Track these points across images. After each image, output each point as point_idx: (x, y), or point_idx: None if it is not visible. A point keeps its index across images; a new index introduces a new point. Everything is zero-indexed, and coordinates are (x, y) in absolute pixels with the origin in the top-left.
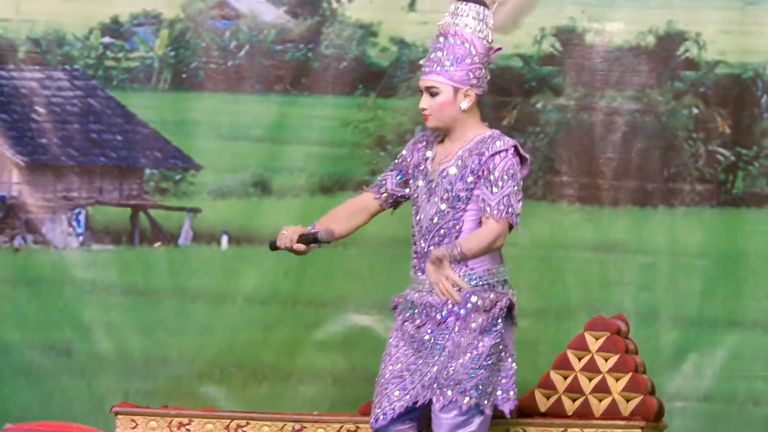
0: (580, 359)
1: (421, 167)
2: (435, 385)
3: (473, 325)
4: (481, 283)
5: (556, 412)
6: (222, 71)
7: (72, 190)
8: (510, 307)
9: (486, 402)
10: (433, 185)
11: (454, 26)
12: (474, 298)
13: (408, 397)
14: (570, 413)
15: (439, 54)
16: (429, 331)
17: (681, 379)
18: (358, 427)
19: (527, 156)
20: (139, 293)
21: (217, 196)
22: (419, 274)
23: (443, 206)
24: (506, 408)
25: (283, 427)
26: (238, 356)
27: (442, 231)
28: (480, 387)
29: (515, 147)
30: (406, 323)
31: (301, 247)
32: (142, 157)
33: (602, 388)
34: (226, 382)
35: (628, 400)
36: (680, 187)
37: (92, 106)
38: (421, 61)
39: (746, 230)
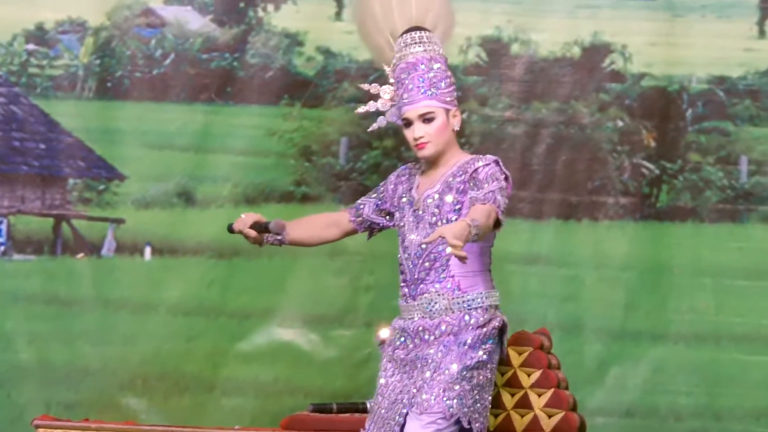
0: (502, 374)
1: (405, 198)
2: (418, 393)
3: (463, 339)
4: (474, 306)
5: None
6: (147, 80)
7: None
8: (502, 329)
9: (464, 415)
10: (420, 212)
11: (425, 52)
12: (467, 317)
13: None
14: (492, 429)
15: (420, 81)
16: (420, 350)
17: (603, 393)
18: None
19: (508, 173)
20: (61, 303)
21: (140, 206)
22: (410, 301)
23: (431, 231)
24: (476, 427)
25: None
26: (161, 367)
27: (431, 256)
28: (461, 399)
29: (497, 160)
30: (397, 351)
31: (252, 232)
32: (65, 166)
33: (524, 404)
34: (148, 394)
35: (550, 416)
36: (604, 200)
37: (15, 114)
38: (368, 94)
39: (670, 243)
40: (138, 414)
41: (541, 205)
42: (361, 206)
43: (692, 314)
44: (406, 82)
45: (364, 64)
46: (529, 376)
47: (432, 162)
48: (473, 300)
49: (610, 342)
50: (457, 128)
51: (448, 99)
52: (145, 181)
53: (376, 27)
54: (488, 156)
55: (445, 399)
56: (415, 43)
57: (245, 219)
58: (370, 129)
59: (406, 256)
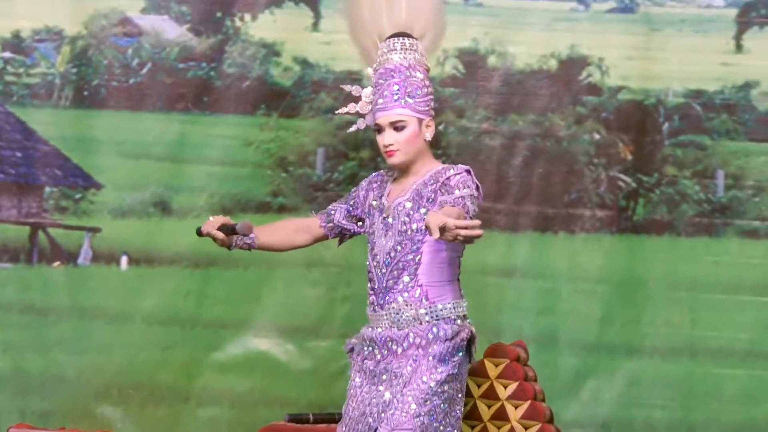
0: (479, 386)
1: (375, 204)
2: (388, 408)
3: (432, 353)
4: (442, 316)
5: None
6: (124, 89)
7: None
8: (470, 340)
9: (435, 430)
10: (389, 220)
11: (404, 60)
12: (435, 330)
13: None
14: None
15: (396, 88)
16: (389, 362)
17: (579, 406)
18: None
19: (479, 184)
20: (37, 312)
21: (117, 215)
22: (378, 310)
23: (400, 239)
24: None
25: None
26: (136, 377)
27: (400, 264)
28: (433, 415)
29: (468, 170)
30: (366, 361)
31: (219, 234)
32: (41, 174)
33: (501, 416)
34: (123, 403)
35: (526, 428)
36: (581, 213)
37: None
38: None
39: (646, 257)
40: (113, 423)
41: (517, 218)
42: (332, 212)
43: (668, 328)
44: (383, 87)
45: (341, 75)
46: (505, 388)
47: (404, 170)
48: (441, 311)
49: (585, 355)
50: (428, 138)
51: (421, 108)
52: (121, 190)
53: (363, 29)
54: (460, 165)
55: (415, 416)
56: (397, 49)
57: (213, 221)
58: (350, 130)
59: (375, 263)
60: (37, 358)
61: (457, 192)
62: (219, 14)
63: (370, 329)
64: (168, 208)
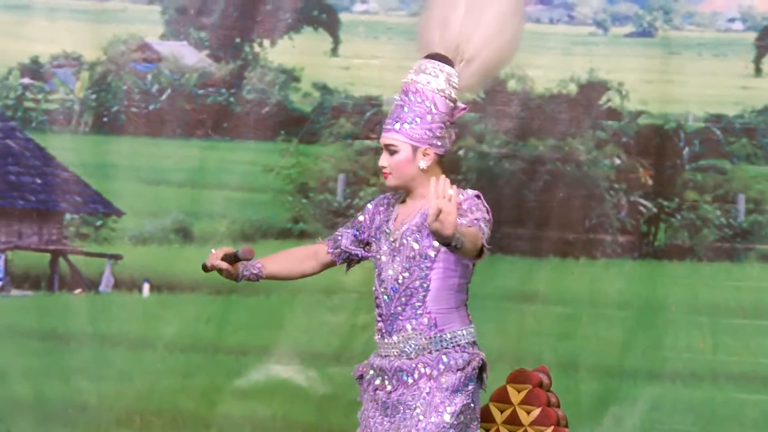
0: (502, 412)
1: (383, 228)
2: None
3: (445, 384)
4: (451, 345)
5: None
6: (143, 115)
7: None
8: (482, 368)
9: None
10: (397, 245)
11: (416, 83)
12: (445, 359)
13: None
14: None
15: (399, 111)
16: (401, 394)
17: (601, 431)
18: None
19: (489, 208)
20: (58, 339)
21: (138, 242)
22: (386, 337)
23: (408, 265)
24: None
25: None
26: (157, 404)
27: (408, 291)
28: None
29: (478, 194)
30: (378, 392)
31: (224, 264)
32: (61, 200)
33: None
34: (145, 430)
35: None
36: (602, 238)
37: (10, 148)
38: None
39: (667, 282)
40: None
41: (538, 243)
42: (339, 237)
43: (689, 353)
44: (394, 106)
45: (360, 100)
46: (528, 413)
47: (409, 193)
48: (450, 339)
49: (607, 380)
50: (422, 167)
51: (417, 136)
52: (141, 216)
53: (428, 48)
54: (469, 191)
55: None
56: (423, 72)
57: (215, 253)
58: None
59: (382, 289)
60: (59, 385)
61: (470, 215)
62: (238, 40)
63: (378, 358)
64: (189, 235)
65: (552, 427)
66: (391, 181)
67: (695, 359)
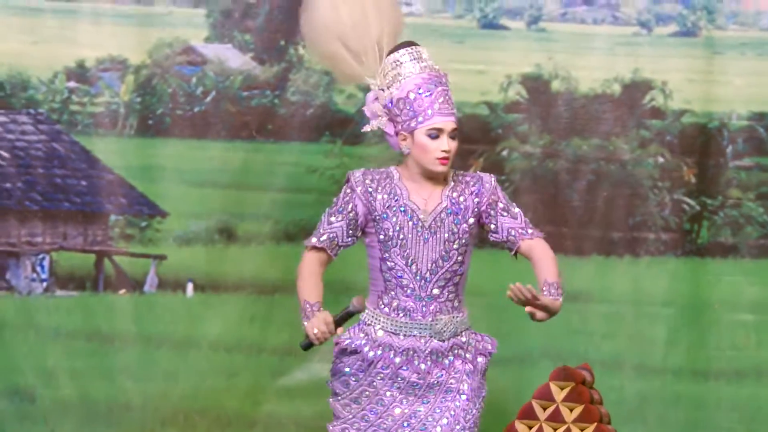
0: (545, 409)
1: (399, 204)
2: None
3: (479, 368)
4: (466, 326)
5: None
6: (188, 117)
7: (36, 236)
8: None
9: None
10: (428, 225)
11: (438, 70)
12: (472, 341)
13: None
14: None
15: (448, 97)
16: (439, 375)
17: (645, 429)
18: None
19: None
20: (103, 339)
21: (182, 242)
22: (417, 318)
23: (447, 249)
24: None
25: None
26: (202, 403)
27: (447, 274)
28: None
29: (496, 178)
30: (401, 370)
31: (340, 331)
32: (106, 202)
33: None
34: (190, 430)
35: None
36: (645, 236)
37: (57, 151)
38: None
39: (710, 280)
40: None
41: (582, 242)
42: (333, 237)
43: (733, 350)
44: (435, 92)
45: None
46: (571, 411)
47: (417, 172)
48: (464, 321)
49: (650, 378)
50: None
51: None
52: (186, 218)
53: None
54: (487, 174)
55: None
56: (429, 58)
57: (323, 327)
58: (363, 129)
59: (413, 270)
60: (104, 385)
61: (515, 211)
62: (282, 42)
63: (408, 338)
64: (233, 235)
65: (595, 425)
66: (446, 167)
67: (739, 357)
